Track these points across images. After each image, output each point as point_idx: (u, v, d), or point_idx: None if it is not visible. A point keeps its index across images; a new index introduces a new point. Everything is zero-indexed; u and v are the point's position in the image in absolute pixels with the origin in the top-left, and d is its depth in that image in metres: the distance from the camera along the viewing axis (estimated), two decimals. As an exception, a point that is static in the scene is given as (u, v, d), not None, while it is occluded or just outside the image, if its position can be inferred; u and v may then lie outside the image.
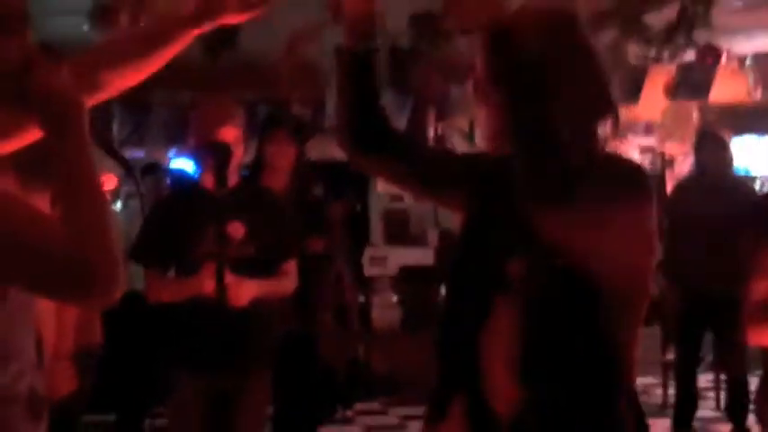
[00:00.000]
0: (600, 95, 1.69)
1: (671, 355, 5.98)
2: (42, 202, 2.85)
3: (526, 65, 1.65)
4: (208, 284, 3.15)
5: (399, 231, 7.83)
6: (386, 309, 6.96)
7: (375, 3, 1.89)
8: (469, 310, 1.73)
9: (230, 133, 3.28)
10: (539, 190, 1.68)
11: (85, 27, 4.76)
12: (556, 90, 1.64)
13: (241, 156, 3.39)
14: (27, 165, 1.88)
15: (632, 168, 1.76)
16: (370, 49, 1.89)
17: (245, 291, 3.21)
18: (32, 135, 1.67)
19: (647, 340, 6.59)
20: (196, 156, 3.50)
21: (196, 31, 1.78)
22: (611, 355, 1.64)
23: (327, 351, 4.23)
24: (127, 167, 2.14)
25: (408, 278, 7.11)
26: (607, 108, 1.69)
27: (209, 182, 3.34)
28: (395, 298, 7.11)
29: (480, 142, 1.88)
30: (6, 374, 1.52)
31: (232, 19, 1.79)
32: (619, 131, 1.70)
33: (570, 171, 1.65)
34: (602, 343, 1.64)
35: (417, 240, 7.70)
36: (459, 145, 7.33)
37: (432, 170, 1.91)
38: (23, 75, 1.50)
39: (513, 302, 1.65)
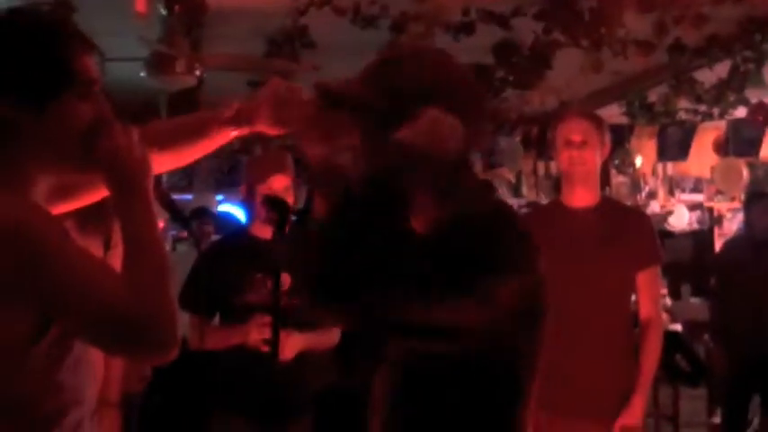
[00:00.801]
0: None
1: (717, 419, 5.85)
2: (95, 246, 2.89)
3: None
4: (257, 334, 3.15)
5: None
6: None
7: None
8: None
9: (281, 182, 3.30)
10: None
11: (142, 74, 4.83)
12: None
13: (293, 204, 3.39)
14: (83, 210, 1.91)
15: (515, 241, 1.59)
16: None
17: (292, 343, 3.20)
18: (100, 193, 1.70)
19: (694, 403, 6.52)
20: (248, 204, 3.51)
21: (235, 133, 1.84)
22: None
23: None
24: (181, 219, 2.15)
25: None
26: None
27: (260, 230, 3.35)
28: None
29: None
30: (68, 424, 1.52)
31: (267, 130, 1.84)
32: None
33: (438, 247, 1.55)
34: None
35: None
36: (505, 196, 7.29)
37: None
38: (93, 134, 1.53)
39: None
